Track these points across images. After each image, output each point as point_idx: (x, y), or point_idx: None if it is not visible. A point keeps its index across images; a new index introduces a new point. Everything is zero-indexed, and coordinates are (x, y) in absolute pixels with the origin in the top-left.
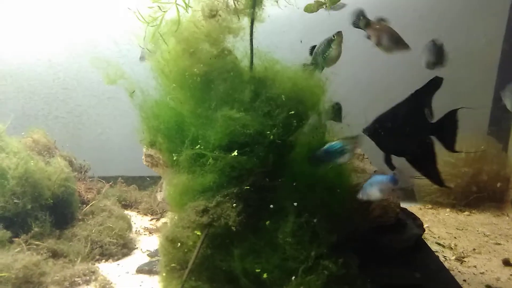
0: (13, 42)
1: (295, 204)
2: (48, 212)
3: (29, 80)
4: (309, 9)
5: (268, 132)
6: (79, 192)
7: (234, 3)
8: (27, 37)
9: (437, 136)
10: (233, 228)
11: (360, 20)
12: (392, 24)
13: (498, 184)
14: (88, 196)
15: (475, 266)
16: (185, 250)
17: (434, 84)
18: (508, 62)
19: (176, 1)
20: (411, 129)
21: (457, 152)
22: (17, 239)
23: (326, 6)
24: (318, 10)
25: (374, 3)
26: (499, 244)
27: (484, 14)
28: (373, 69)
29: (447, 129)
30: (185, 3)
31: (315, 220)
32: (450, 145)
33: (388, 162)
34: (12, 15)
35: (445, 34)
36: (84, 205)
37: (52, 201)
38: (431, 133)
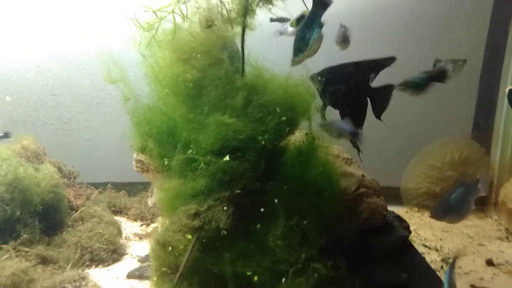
0: (1, 48)
1: (285, 207)
2: (37, 218)
3: (18, 86)
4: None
5: (260, 138)
6: (68, 198)
7: (227, 12)
8: (15, 43)
9: (370, 100)
10: (224, 231)
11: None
12: (377, 33)
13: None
14: (78, 203)
15: (460, 267)
16: (176, 254)
17: (389, 61)
18: (490, 69)
19: (173, 10)
20: (352, 86)
21: (380, 120)
22: (5, 246)
23: None
24: None
25: (358, 15)
26: (482, 245)
27: (466, 22)
28: None
29: (381, 98)
30: (182, 13)
31: (304, 222)
32: (377, 113)
33: (323, 112)
34: None
35: (429, 42)
36: (74, 212)
37: (41, 207)
38: (367, 96)
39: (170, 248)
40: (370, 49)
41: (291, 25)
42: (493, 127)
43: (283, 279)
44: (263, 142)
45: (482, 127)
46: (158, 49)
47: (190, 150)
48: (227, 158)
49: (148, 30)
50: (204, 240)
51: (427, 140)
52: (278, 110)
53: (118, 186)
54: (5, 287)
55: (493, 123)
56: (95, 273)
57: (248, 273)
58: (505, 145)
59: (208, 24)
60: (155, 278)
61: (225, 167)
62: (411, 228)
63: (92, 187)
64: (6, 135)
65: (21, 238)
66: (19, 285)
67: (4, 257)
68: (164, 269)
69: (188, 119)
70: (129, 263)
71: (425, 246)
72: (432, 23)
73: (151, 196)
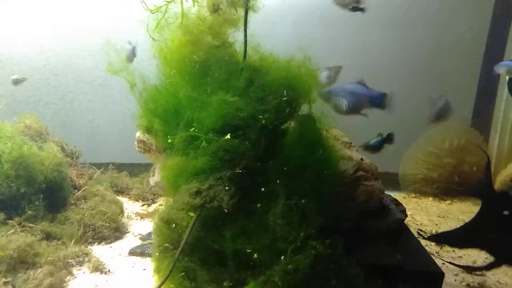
0: (3, 27)
1: (285, 187)
2: (41, 195)
3: (20, 65)
4: None
5: (261, 117)
6: (71, 177)
7: None
8: (17, 22)
9: None
10: (226, 210)
11: None
12: (380, 20)
13: (474, 168)
14: (80, 182)
15: (453, 251)
16: (179, 231)
17: None
18: (492, 56)
19: None
20: None
21: None
22: (11, 221)
23: None
24: None
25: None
26: None
27: (470, 8)
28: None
29: None
30: None
31: (303, 201)
32: None
33: None
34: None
35: (431, 27)
36: (76, 191)
37: (45, 185)
38: None
39: (173, 225)
40: (373, 35)
41: None
42: (493, 114)
43: (282, 257)
44: (263, 121)
45: (482, 114)
46: (168, 32)
47: (193, 128)
48: (228, 136)
49: (155, 13)
50: (206, 218)
51: (426, 127)
52: (278, 90)
53: (119, 167)
54: (12, 259)
55: (493, 111)
56: (97, 250)
57: (248, 251)
58: (503, 132)
59: (215, 8)
60: (157, 254)
61: (226, 146)
62: (408, 213)
63: (94, 167)
64: None
65: (26, 214)
66: (25, 258)
67: (10, 231)
68: (166, 245)
69: (192, 98)
70: (130, 241)
71: (421, 230)
72: (435, 9)
73: (153, 175)
